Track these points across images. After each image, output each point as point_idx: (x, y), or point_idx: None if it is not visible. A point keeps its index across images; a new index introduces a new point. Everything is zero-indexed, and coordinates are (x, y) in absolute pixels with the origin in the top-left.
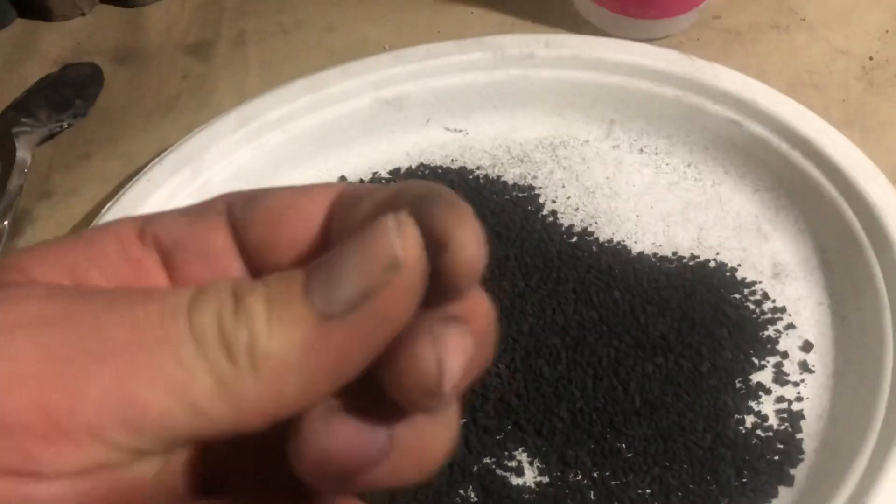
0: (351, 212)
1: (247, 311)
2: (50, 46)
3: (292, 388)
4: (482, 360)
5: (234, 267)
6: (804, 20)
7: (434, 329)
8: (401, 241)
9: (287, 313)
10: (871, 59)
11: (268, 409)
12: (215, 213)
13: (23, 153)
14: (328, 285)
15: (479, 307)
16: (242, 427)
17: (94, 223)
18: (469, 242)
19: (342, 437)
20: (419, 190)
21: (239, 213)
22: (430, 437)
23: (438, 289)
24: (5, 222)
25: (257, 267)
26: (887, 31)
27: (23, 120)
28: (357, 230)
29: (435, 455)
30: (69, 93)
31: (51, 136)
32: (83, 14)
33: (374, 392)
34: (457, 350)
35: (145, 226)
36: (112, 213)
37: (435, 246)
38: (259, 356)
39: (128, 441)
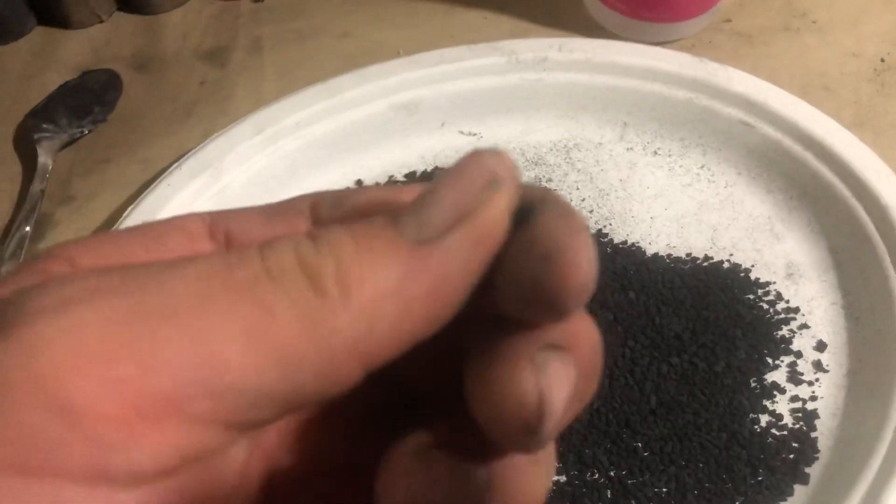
0: None
1: (331, 243)
2: (69, 54)
3: (386, 321)
4: (586, 395)
5: None
6: (815, 22)
7: (536, 357)
8: (500, 162)
9: (378, 243)
10: (882, 60)
11: (360, 347)
12: (296, 213)
13: (44, 159)
14: (420, 214)
15: (584, 334)
16: (335, 377)
17: (116, 227)
18: (581, 254)
19: (436, 478)
20: (532, 193)
21: (327, 212)
22: (528, 480)
23: (542, 305)
24: (27, 227)
25: None
26: None
27: (44, 126)
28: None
29: (532, 499)
30: (89, 99)
31: (71, 142)
32: (101, 21)
33: (469, 429)
34: (560, 382)
35: (216, 221)
36: (133, 217)
37: (544, 254)
38: (352, 283)
39: (212, 411)
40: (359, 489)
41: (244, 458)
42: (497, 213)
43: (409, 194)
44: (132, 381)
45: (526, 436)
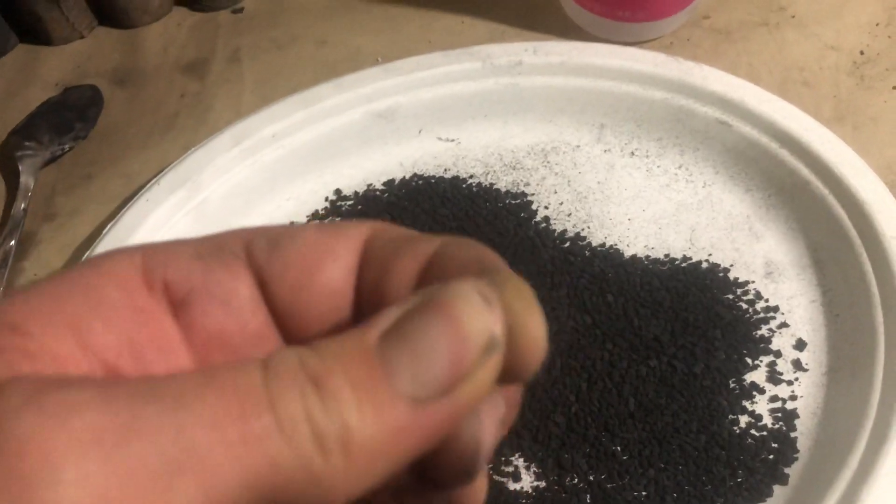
0: (389, 265)
1: (335, 400)
2: (51, 70)
3: (379, 469)
4: (511, 420)
5: (260, 320)
6: (794, 17)
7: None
8: (496, 318)
9: (376, 398)
10: (861, 53)
11: (353, 491)
12: (233, 257)
13: (26, 177)
14: (414, 366)
15: None
16: None
17: (95, 244)
18: (538, 331)
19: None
20: (474, 255)
21: (263, 256)
22: (473, 495)
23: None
24: (12, 242)
25: (284, 318)
26: (878, 25)
27: (26, 144)
28: (426, 293)
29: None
30: (70, 116)
31: (53, 160)
32: (82, 37)
33: (414, 473)
34: (492, 424)
35: (150, 268)
36: (112, 234)
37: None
38: (353, 446)
39: None
40: None
41: None
42: (492, 376)
43: (344, 242)
44: None
45: (466, 477)
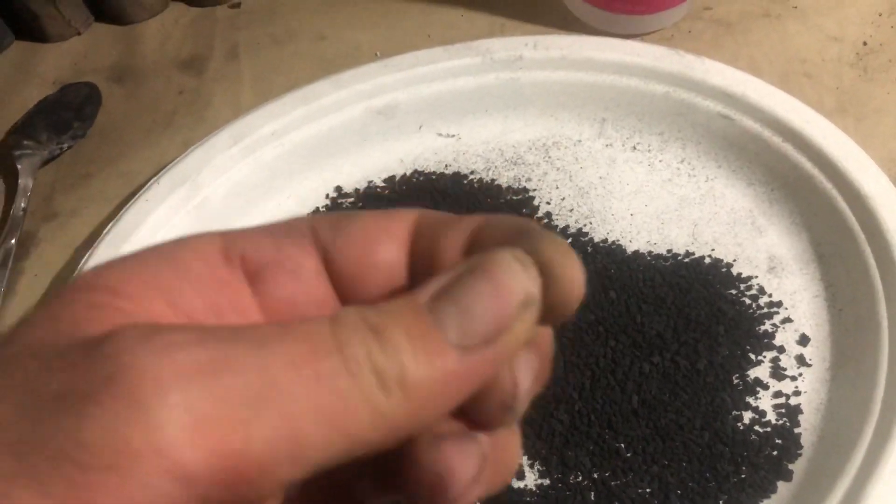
0: (437, 242)
1: (393, 345)
2: (48, 68)
3: (431, 410)
4: (544, 377)
5: (324, 290)
6: (796, 7)
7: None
8: (531, 279)
9: (428, 346)
10: (864, 44)
11: (408, 429)
12: (301, 235)
13: (25, 176)
14: (461, 319)
15: (543, 330)
16: (382, 446)
17: (96, 244)
18: (575, 275)
19: (453, 458)
20: (512, 224)
21: (327, 235)
22: (508, 449)
23: (546, 318)
24: (12, 241)
25: (345, 290)
26: (881, 15)
27: (24, 143)
28: (469, 262)
29: (512, 463)
30: (68, 115)
31: (52, 159)
32: (78, 34)
33: (461, 415)
34: (528, 370)
35: (229, 245)
36: (112, 233)
37: (546, 281)
38: (410, 386)
39: (290, 474)
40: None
41: None
42: (529, 329)
43: (398, 223)
44: (238, 454)
45: (505, 413)
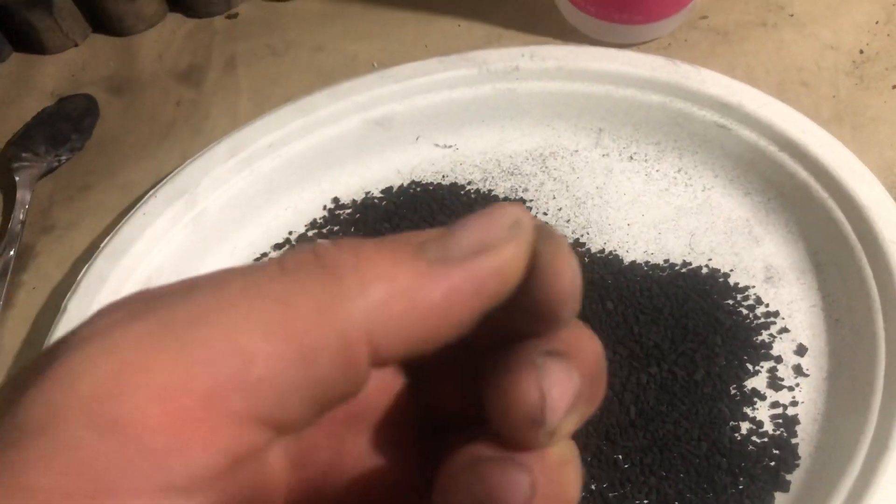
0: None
1: (352, 245)
2: (46, 79)
3: (396, 318)
4: (594, 398)
5: None
6: (792, 16)
7: (536, 360)
8: (523, 210)
9: (398, 250)
10: (861, 52)
11: (371, 338)
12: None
13: (23, 189)
14: (445, 241)
15: (584, 344)
16: (349, 368)
17: (94, 257)
18: (565, 268)
19: (492, 483)
20: (513, 216)
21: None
22: (562, 482)
23: (537, 316)
24: (11, 254)
25: None
26: (877, 23)
27: (23, 155)
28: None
29: (567, 497)
30: (66, 127)
31: (50, 171)
32: (76, 45)
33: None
34: (559, 380)
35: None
36: (110, 247)
37: (533, 272)
38: (367, 275)
39: (247, 407)
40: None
41: (286, 469)
42: (517, 251)
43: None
44: (171, 386)
45: (534, 429)
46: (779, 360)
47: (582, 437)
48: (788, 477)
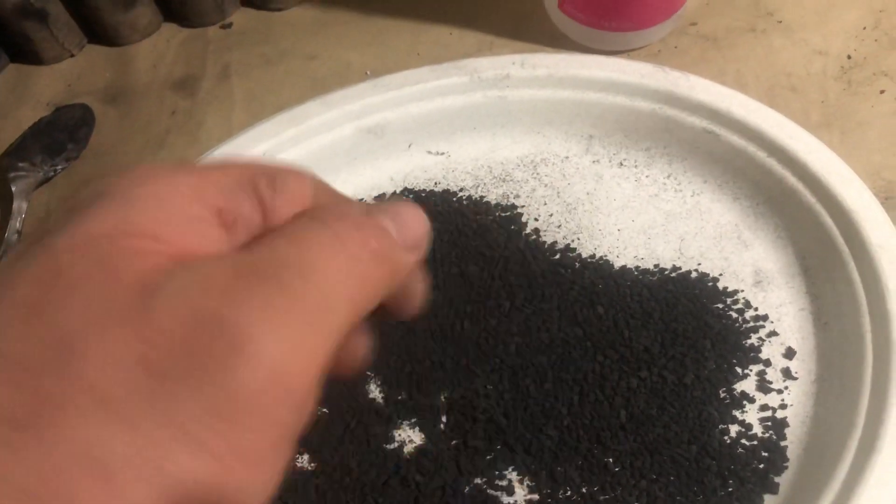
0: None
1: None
2: (42, 89)
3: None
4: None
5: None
6: (781, 22)
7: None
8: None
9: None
10: (849, 57)
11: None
12: (252, 190)
13: (20, 198)
14: (398, 228)
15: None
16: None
17: None
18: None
19: None
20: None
21: (267, 193)
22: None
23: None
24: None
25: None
26: (865, 29)
27: (19, 165)
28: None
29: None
30: (62, 137)
31: (46, 181)
32: (72, 55)
33: None
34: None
35: (202, 193)
36: None
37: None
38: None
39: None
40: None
41: None
42: (417, 260)
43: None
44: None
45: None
46: (767, 363)
47: (573, 441)
48: (777, 479)
